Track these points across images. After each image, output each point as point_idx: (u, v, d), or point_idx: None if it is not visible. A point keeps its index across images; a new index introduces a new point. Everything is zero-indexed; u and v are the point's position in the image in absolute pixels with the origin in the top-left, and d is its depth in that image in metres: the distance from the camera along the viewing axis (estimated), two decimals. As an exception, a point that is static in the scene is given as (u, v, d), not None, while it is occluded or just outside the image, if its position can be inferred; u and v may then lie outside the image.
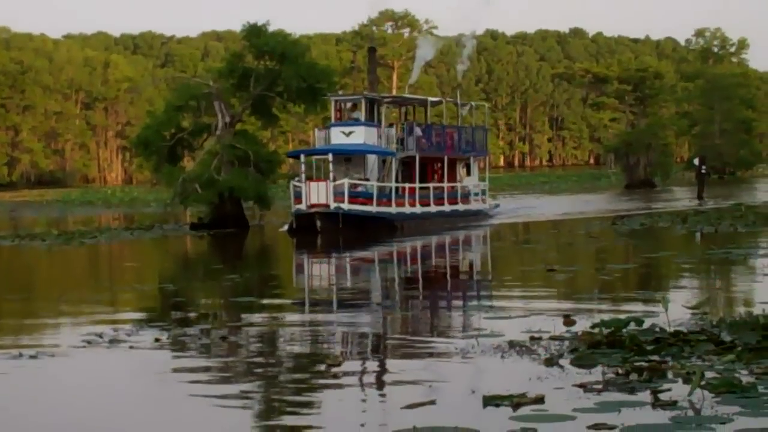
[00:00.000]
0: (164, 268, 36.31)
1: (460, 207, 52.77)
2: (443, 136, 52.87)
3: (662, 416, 10.64)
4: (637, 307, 18.57)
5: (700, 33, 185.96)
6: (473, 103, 61.95)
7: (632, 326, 15.06)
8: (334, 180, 46.08)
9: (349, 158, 48.66)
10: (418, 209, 49.17)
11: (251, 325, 19.26)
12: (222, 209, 49.71)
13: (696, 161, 72.43)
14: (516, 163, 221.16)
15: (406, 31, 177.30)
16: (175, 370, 14.59)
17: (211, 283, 28.40)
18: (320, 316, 20.30)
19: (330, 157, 47.19)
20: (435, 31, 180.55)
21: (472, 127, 57.83)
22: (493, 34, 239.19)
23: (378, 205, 46.75)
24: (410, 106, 55.82)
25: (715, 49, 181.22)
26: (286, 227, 46.81)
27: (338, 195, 45.73)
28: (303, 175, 47.25)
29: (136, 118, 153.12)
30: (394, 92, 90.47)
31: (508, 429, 10.35)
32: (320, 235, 43.75)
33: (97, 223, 61.58)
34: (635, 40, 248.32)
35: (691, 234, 38.15)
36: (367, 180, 47.85)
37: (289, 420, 11.40)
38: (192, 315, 21.03)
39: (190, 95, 52.44)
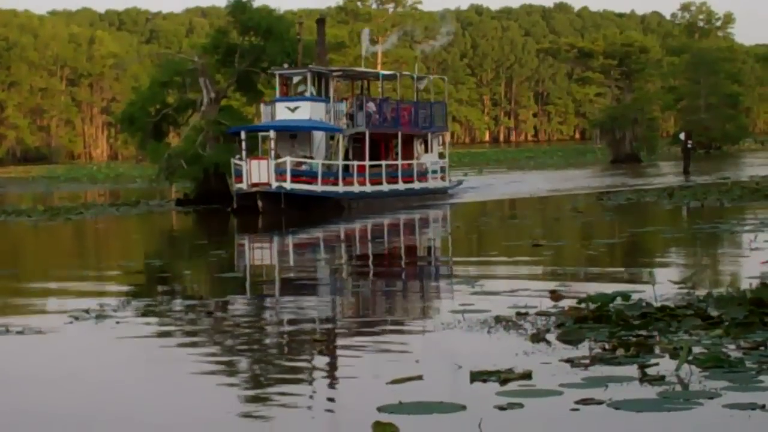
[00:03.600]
0: (150, 243, 36.24)
1: (417, 185, 50.36)
2: (398, 112, 50.53)
3: (650, 391, 10.62)
4: (624, 282, 18.55)
5: (685, 7, 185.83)
6: (431, 77, 59.57)
7: (619, 301, 15.04)
8: (277, 158, 44.07)
9: (295, 135, 46.50)
10: (369, 188, 47.00)
11: (236, 300, 19.25)
12: (207, 185, 49.60)
13: (682, 136, 72.50)
14: (501, 138, 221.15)
15: (390, 7, 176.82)
16: (162, 345, 14.57)
17: (196, 258, 28.37)
18: (304, 293, 20.26)
19: (271, 133, 44.98)
20: (419, 7, 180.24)
21: (430, 102, 55.29)
22: (477, 9, 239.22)
23: (323, 184, 44.75)
24: (364, 81, 53.40)
25: (701, 24, 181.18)
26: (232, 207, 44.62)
27: (280, 173, 43.66)
28: (244, 153, 44.87)
29: (122, 94, 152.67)
30: (378, 68, 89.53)
31: (495, 404, 10.32)
32: (262, 216, 41.97)
33: (82, 199, 61.43)
34: (620, 15, 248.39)
35: (677, 209, 38.16)
36: (312, 158, 45.68)
37: (275, 397, 11.35)
38: (178, 290, 21.04)
39: (175, 71, 52.33)
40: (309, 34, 57.24)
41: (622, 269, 21.81)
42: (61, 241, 37.59)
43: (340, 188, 45.57)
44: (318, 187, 44.60)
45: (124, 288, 21.93)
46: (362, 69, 54.59)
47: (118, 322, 16.27)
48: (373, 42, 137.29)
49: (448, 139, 56.89)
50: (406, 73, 57.80)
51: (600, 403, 10.23)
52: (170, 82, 52.31)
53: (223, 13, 60.03)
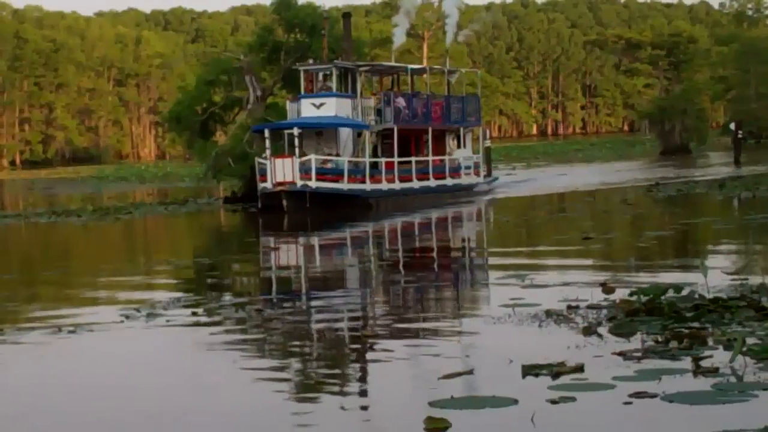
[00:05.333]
0: (199, 242, 36.37)
1: (449, 182, 49.01)
2: (429, 106, 49.09)
3: (704, 383, 10.51)
4: (676, 274, 18.38)
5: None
6: (462, 70, 57.68)
7: (671, 293, 14.91)
8: (302, 156, 43.14)
9: (321, 132, 45.53)
10: (397, 185, 45.70)
11: (286, 297, 19.26)
12: (254, 183, 49.61)
13: (732, 126, 71.89)
14: (549, 131, 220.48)
15: (435, 0, 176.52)
16: (212, 344, 14.56)
17: (245, 256, 28.41)
18: (349, 289, 20.24)
19: (295, 131, 43.61)
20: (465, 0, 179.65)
21: (463, 96, 53.60)
22: (523, 2, 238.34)
23: (350, 181, 43.70)
24: (394, 75, 51.98)
25: (750, 13, 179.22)
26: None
27: (306, 172, 42.66)
28: (268, 151, 43.85)
29: (168, 94, 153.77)
30: (424, 63, 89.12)
31: (548, 398, 10.25)
32: (287, 215, 41.27)
33: (131, 198, 61.81)
34: (668, 5, 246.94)
35: (728, 200, 37.85)
36: (338, 155, 44.73)
37: (327, 394, 11.32)
38: (227, 288, 21.07)
39: (221, 70, 52.60)
40: (354, 30, 56.99)
41: (674, 261, 21.62)
42: (111, 240, 37.80)
43: (368, 186, 44.47)
44: (344, 185, 43.61)
45: (174, 286, 21.99)
46: (391, 63, 53.55)
47: (168, 321, 16.31)
48: (418, 35, 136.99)
49: (484, 133, 55.22)
50: (437, 67, 56.77)
51: (653, 396, 10.14)
52: (216, 81, 52.57)
53: (268, 11, 60.22)
